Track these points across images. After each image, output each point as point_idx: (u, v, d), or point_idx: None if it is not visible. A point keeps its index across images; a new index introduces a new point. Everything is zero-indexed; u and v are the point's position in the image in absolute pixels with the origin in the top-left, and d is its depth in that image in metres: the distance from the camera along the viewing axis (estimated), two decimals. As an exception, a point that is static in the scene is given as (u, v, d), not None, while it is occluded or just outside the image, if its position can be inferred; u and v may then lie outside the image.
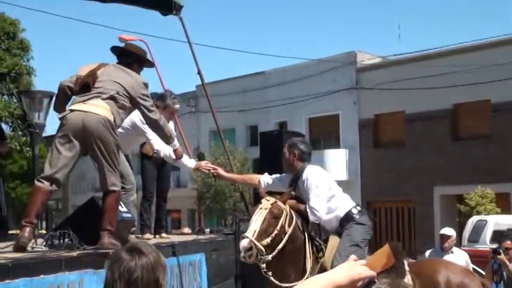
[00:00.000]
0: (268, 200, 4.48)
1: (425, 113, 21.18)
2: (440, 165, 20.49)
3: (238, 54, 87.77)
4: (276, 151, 6.77)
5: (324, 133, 24.93)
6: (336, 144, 24.31)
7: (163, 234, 6.75)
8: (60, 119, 4.35)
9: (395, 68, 22.35)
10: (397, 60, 22.96)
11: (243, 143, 26.42)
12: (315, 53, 72.92)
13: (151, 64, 5.33)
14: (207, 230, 7.77)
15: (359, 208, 5.00)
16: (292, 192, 4.86)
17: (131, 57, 4.85)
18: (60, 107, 4.56)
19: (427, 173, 20.85)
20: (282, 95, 24.56)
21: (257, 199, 6.89)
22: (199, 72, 8.00)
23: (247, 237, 4.28)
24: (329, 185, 4.96)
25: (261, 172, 5.79)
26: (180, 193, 25.28)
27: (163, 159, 6.55)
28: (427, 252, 8.25)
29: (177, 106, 6.22)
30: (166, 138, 5.02)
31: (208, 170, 5.86)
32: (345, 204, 4.96)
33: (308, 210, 4.78)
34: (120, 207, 4.66)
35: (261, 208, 4.40)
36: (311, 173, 4.93)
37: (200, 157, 6.15)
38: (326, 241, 4.86)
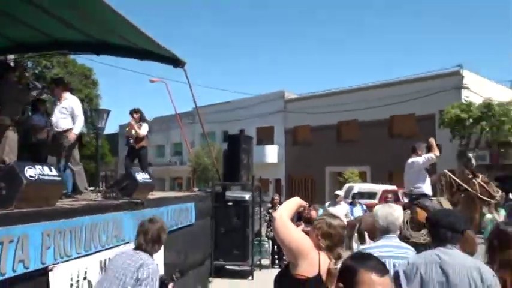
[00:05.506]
0: None
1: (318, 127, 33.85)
2: (329, 155, 32.97)
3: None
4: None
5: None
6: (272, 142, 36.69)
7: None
8: None
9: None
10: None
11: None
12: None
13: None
14: (196, 189, 11.29)
15: None
16: None
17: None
18: None
19: (322, 158, 32.91)
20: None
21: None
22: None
23: None
24: None
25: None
26: (182, 168, 40.41)
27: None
28: (326, 204, 13.51)
29: None
30: None
31: None
32: None
33: None
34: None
35: None
36: None
37: None
38: None
